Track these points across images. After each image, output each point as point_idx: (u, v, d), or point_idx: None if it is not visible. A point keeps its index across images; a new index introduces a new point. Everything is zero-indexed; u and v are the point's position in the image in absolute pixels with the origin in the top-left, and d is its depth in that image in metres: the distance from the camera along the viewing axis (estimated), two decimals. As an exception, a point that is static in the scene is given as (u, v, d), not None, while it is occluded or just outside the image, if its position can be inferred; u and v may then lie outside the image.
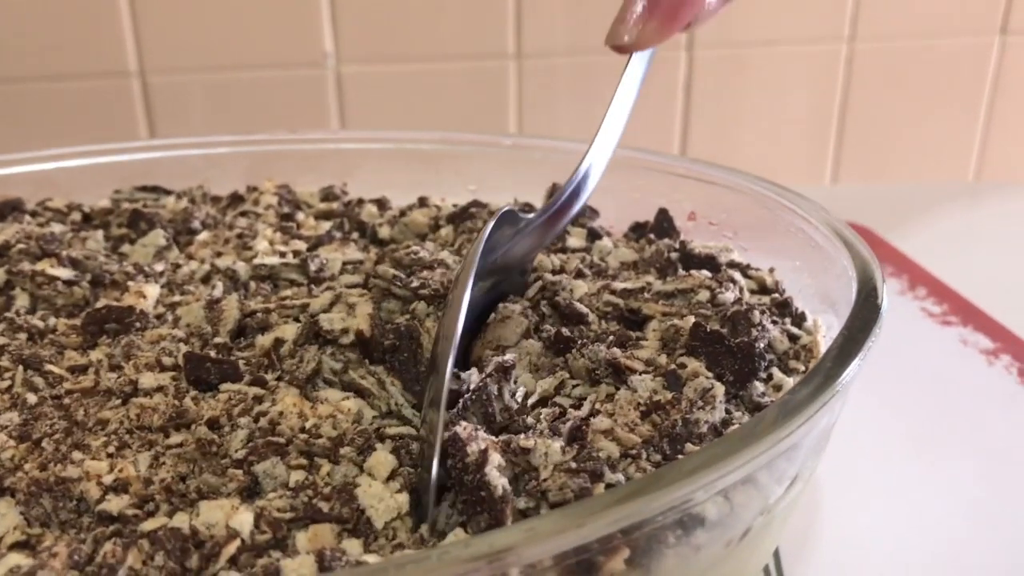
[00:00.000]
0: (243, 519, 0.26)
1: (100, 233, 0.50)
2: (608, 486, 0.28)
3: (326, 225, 0.52)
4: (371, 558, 0.25)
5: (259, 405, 0.32)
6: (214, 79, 0.97)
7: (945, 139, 1.05)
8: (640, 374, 0.33)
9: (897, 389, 0.57)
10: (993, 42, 1.00)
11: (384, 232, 0.52)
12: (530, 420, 0.31)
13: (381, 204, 0.57)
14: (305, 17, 0.94)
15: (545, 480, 0.27)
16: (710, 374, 0.34)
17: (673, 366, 0.34)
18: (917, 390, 0.57)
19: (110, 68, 0.96)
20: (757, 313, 0.37)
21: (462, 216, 0.52)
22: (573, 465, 0.28)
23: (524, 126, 1.01)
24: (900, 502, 0.47)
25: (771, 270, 0.46)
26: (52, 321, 0.40)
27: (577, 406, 0.32)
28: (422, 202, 0.58)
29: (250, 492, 0.28)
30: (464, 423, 0.28)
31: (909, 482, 0.49)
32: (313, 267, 0.45)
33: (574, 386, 0.34)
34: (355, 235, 0.52)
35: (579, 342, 0.35)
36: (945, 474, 0.49)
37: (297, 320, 0.38)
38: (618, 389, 0.33)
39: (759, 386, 0.35)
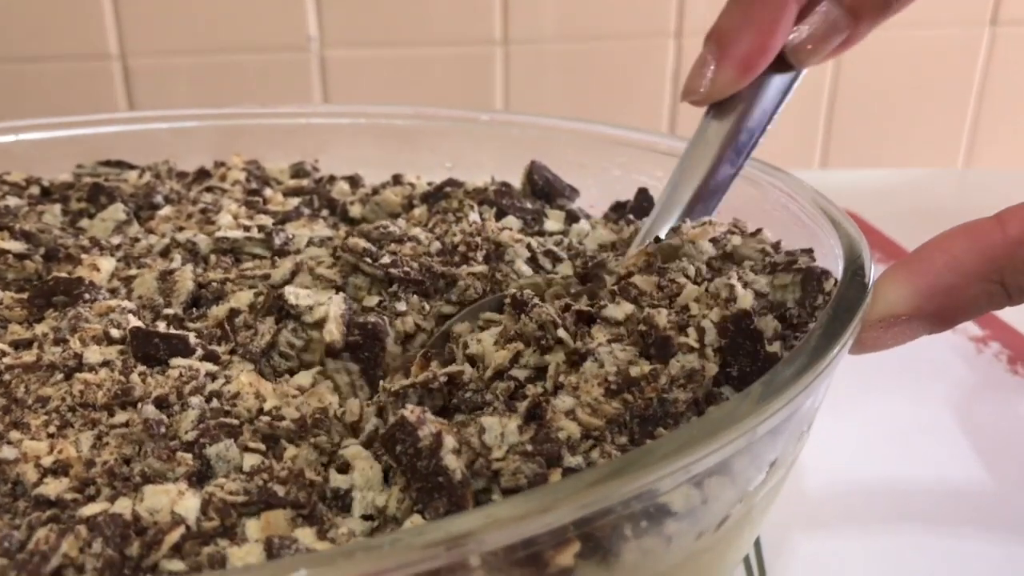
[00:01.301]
0: (189, 505, 0.24)
1: (58, 207, 0.48)
2: (567, 471, 0.26)
3: (294, 201, 0.50)
4: (322, 547, 0.23)
5: (212, 383, 0.30)
6: (196, 62, 0.95)
7: (934, 128, 1.04)
8: (609, 343, 0.31)
9: (884, 376, 0.56)
10: (983, 33, 1.00)
11: (355, 210, 0.50)
12: (488, 396, 0.29)
13: (353, 182, 0.55)
14: (289, 0, 0.92)
15: (498, 461, 0.26)
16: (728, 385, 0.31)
17: (665, 329, 0.31)
18: (905, 377, 0.56)
19: (90, 50, 0.94)
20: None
21: (436, 195, 0.51)
22: (529, 448, 0.26)
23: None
24: (886, 490, 0.46)
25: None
26: (0, 295, 0.38)
27: (533, 378, 0.30)
28: (396, 180, 0.56)
29: (200, 477, 0.27)
30: (410, 406, 0.26)
31: (895, 470, 0.47)
32: (278, 241, 0.43)
33: (532, 353, 0.31)
34: (325, 212, 0.50)
35: (531, 304, 0.32)
36: (932, 462, 0.48)
37: (254, 289, 0.36)
38: (580, 360, 0.30)
39: None
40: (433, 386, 0.29)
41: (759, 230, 0.38)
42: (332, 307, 0.32)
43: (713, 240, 0.36)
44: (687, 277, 0.33)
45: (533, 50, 0.97)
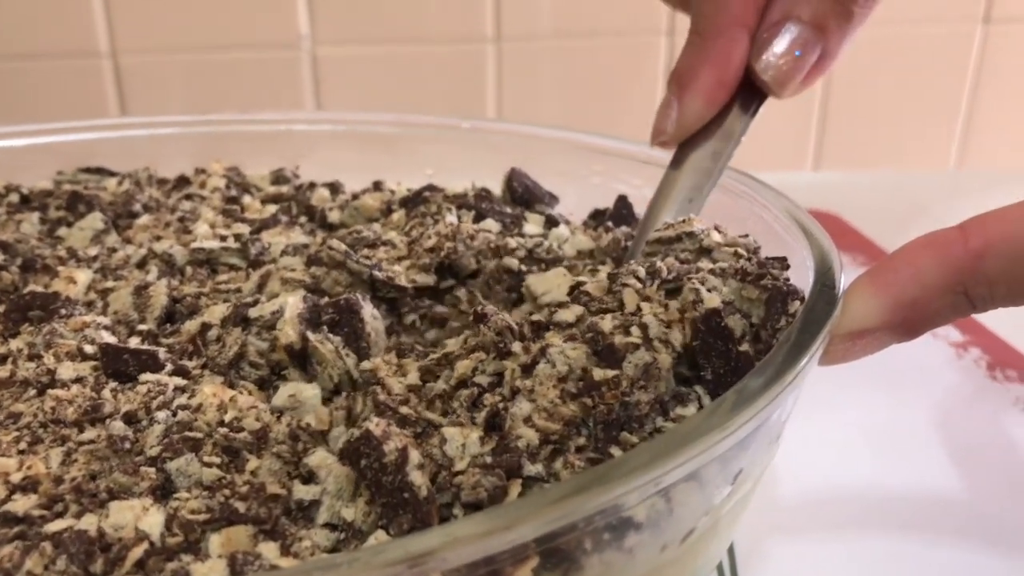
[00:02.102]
0: (153, 521, 0.25)
1: (36, 215, 0.48)
2: (527, 479, 0.26)
3: (272, 209, 0.50)
4: (286, 562, 0.24)
5: (180, 397, 0.30)
6: (187, 60, 0.95)
7: (927, 129, 1.04)
8: (563, 340, 0.30)
9: (862, 381, 0.56)
10: (975, 31, 1.00)
11: (334, 216, 0.50)
12: (455, 404, 0.29)
13: (334, 188, 0.55)
14: (281, -2, 0.93)
15: (459, 475, 0.26)
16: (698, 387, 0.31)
17: (611, 333, 0.30)
18: (883, 383, 0.56)
19: (80, 47, 0.94)
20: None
21: (415, 200, 0.51)
22: (489, 460, 0.26)
23: (504, 112, 1.00)
24: (861, 497, 0.46)
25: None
26: (-26, 309, 0.38)
27: (494, 384, 0.30)
28: (377, 186, 0.56)
29: (164, 492, 0.27)
30: (376, 419, 0.26)
31: (873, 476, 0.48)
32: (254, 251, 0.43)
33: (492, 359, 0.31)
34: (303, 219, 0.50)
35: (490, 315, 0.32)
36: (908, 468, 0.48)
37: (228, 303, 0.36)
38: (534, 365, 0.30)
39: None
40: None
41: (745, 235, 0.38)
42: (288, 308, 0.32)
43: (690, 234, 0.36)
44: (637, 279, 0.33)
45: (526, 48, 0.97)
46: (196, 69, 0.95)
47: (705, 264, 0.34)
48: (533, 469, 0.26)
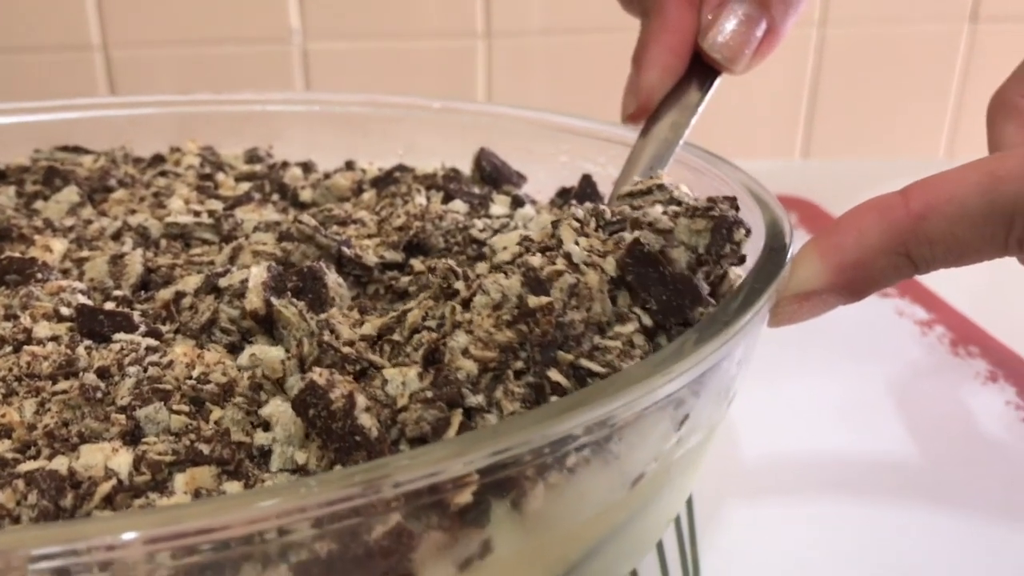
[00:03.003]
0: (121, 461, 0.26)
1: (12, 189, 0.49)
2: (468, 410, 0.27)
3: (246, 186, 0.52)
4: (248, 497, 0.25)
5: (151, 355, 0.32)
6: (178, 53, 0.96)
7: (916, 120, 1.06)
8: (492, 271, 0.31)
9: (830, 356, 0.58)
10: (963, 29, 1.02)
11: (306, 195, 0.52)
12: (409, 349, 0.30)
13: (307, 167, 0.57)
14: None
15: (402, 412, 0.27)
16: (637, 308, 0.31)
17: (540, 268, 0.31)
18: (850, 357, 0.58)
19: (72, 41, 0.94)
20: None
21: (386, 180, 0.52)
22: (429, 394, 0.27)
23: (494, 106, 1.01)
24: (820, 463, 0.48)
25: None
26: (-49, 273, 0.39)
27: (441, 327, 0.31)
28: (349, 166, 0.57)
29: (133, 438, 0.28)
30: (318, 369, 0.27)
31: (835, 444, 0.49)
32: (227, 227, 0.44)
33: (440, 304, 0.32)
34: (275, 197, 0.52)
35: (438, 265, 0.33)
36: (872, 437, 0.50)
37: (201, 273, 0.38)
38: (472, 297, 0.31)
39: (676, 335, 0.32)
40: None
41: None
42: (252, 277, 0.34)
43: (660, 187, 0.37)
44: (575, 219, 0.34)
45: (516, 43, 0.98)
46: (187, 63, 0.96)
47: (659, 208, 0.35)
48: (474, 400, 0.27)
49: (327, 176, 0.55)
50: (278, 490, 0.22)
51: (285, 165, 0.57)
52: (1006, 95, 0.41)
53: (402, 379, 0.28)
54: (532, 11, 0.97)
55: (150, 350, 0.32)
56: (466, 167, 0.56)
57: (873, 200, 0.34)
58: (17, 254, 0.40)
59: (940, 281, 0.68)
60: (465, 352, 0.29)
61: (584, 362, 0.29)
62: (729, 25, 0.42)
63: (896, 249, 0.33)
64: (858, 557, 0.41)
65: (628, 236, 0.32)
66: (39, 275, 0.37)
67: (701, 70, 0.44)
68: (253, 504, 0.21)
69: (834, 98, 1.04)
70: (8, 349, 0.33)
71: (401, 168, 0.54)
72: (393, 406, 0.27)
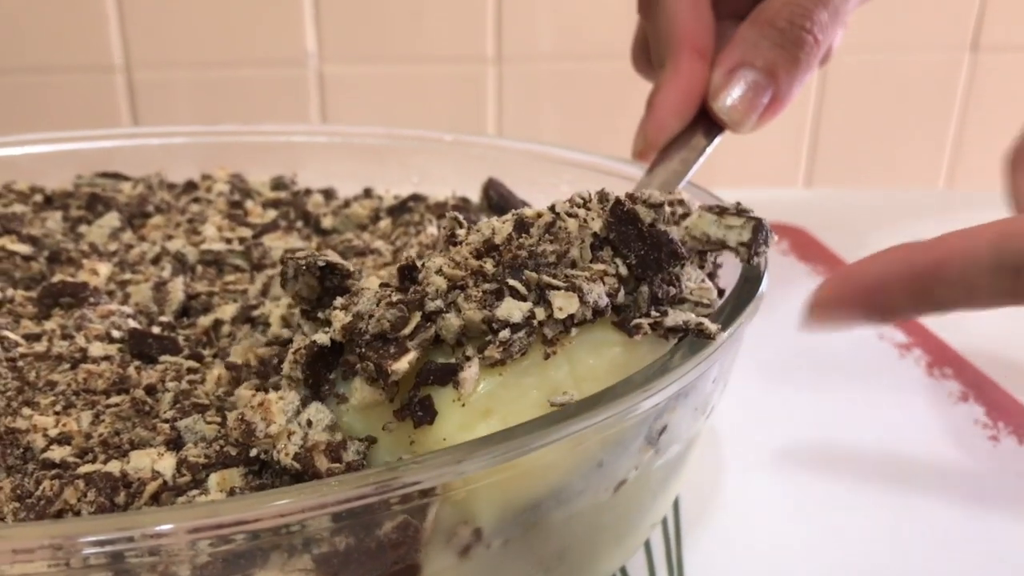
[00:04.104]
0: (166, 464, 0.30)
1: (59, 214, 0.54)
2: (429, 314, 0.30)
3: (272, 214, 0.56)
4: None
5: (189, 375, 0.36)
6: (199, 76, 0.99)
7: (916, 150, 1.08)
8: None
9: (814, 375, 0.62)
10: (963, 58, 1.03)
11: (327, 222, 0.56)
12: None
13: (328, 194, 0.61)
14: (288, 16, 0.97)
15: (372, 318, 0.30)
16: (617, 259, 0.33)
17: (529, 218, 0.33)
18: (832, 380, 0.62)
19: (95, 62, 0.98)
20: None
21: (400, 209, 0.56)
22: (395, 298, 0.30)
23: (504, 130, 1.03)
24: (804, 480, 0.51)
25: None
26: (10, 292, 0.44)
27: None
28: (367, 193, 0.62)
29: (176, 445, 0.32)
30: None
31: (815, 458, 0.53)
32: (256, 254, 0.49)
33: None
34: (299, 224, 0.56)
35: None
36: (848, 452, 0.53)
37: (237, 303, 0.42)
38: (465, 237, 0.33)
39: (658, 289, 0.33)
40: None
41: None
42: (275, 310, 0.38)
43: (680, 201, 0.38)
44: (580, 196, 0.35)
45: (526, 68, 1.01)
46: (206, 84, 1.00)
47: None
48: (433, 305, 0.30)
49: (347, 204, 0.59)
50: (299, 489, 0.26)
51: (308, 192, 0.61)
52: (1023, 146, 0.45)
53: (375, 291, 0.31)
54: (542, 37, 1.00)
55: (191, 371, 0.37)
56: (475, 195, 0.61)
57: (904, 243, 0.39)
58: (68, 277, 0.45)
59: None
60: (439, 271, 0.31)
61: (546, 278, 0.31)
62: (737, 91, 0.45)
63: (916, 284, 0.37)
64: (839, 560, 0.44)
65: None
66: (91, 299, 0.42)
67: (709, 121, 0.48)
68: (274, 501, 0.25)
69: (837, 126, 1.06)
70: (66, 366, 0.37)
71: (415, 197, 0.58)
72: (368, 317, 0.30)
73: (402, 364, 0.29)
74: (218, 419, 0.33)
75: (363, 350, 0.30)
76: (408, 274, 0.32)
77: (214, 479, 0.29)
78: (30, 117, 1.00)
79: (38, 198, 0.58)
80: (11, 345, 0.39)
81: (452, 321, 0.30)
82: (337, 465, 0.28)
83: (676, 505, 0.48)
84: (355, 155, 0.67)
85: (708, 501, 0.49)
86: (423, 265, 0.32)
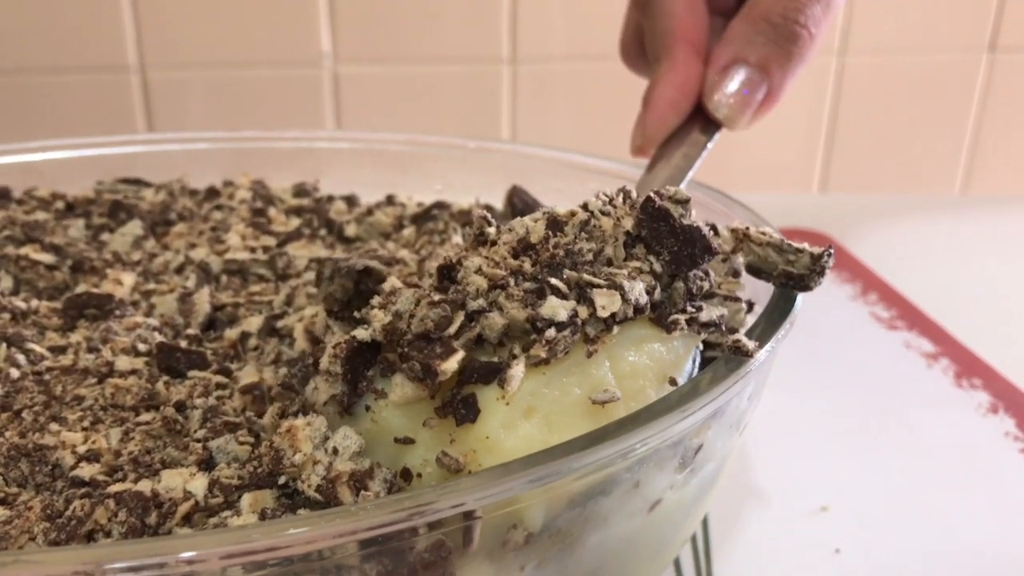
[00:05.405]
0: (198, 484, 0.30)
1: (81, 222, 0.54)
2: (471, 314, 0.30)
3: (296, 221, 0.56)
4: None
5: (219, 390, 0.36)
6: (213, 76, 0.99)
7: (932, 154, 1.07)
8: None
9: (839, 389, 0.61)
10: (981, 59, 1.03)
11: (350, 230, 0.56)
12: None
13: (350, 201, 0.61)
14: (303, 17, 0.97)
15: (412, 319, 0.30)
16: (651, 256, 0.32)
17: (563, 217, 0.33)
18: (859, 390, 0.61)
19: (110, 62, 0.98)
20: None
21: (424, 217, 0.56)
22: (436, 298, 0.30)
23: (518, 130, 1.04)
24: (832, 493, 0.50)
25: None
26: (34, 303, 0.43)
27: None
28: (390, 200, 0.61)
29: (208, 465, 0.32)
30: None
31: (842, 474, 0.52)
32: (280, 264, 0.48)
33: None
34: (323, 232, 0.56)
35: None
36: (875, 467, 0.53)
37: (262, 314, 0.42)
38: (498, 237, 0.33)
39: (692, 285, 0.33)
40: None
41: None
42: (297, 323, 0.38)
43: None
44: (606, 195, 0.35)
45: (540, 69, 1.01)
46: (221, 84, 1.00)
47: None
48: (475, 304, 0.30)
49: (370, 211, 0.58)
50: (333, 513, 0.25)
51: (331, 199, 0.61)
52: None
53: (414, 295, 0.31)
54: (556, 38, 1.00)
55: (220, 386, 0.36)
56: (499, 202, 0.60)
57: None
58: (91, 287, 0.44)
59: (947, 315, 0.71)
60: (478, 271, 0.31)
61: (586, 277, 0.31)
62: (732, 88, 0.45)
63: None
64: (868, 573, 0.44)
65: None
66: (116, 311, 0.42)
67: (705, 117, 0.48)
68: (308, 526, 0.25)
69: (853, 131, 1.06)
70: (93, 380, 0.37)
71: (439, 205, 0.58)
72: (409, 318, 0.30)
73: (451, 364, 0.29)
74: (251, 439, 0.32)
75: (406, 349, 0.30)
76: (447, 274, 0.32)
77: (246, 500, 0.29)
78: (45, 117, 1.00)
79: (60, 205, 0.57)
80: (37, 358, 0.38)
81: (496, 320, 0.30)
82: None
83: (705, 521, 0.47)
84: (377, 161, 0.66)
85: (737, 516, 0.48)
86: (461, 264, 0.32)
